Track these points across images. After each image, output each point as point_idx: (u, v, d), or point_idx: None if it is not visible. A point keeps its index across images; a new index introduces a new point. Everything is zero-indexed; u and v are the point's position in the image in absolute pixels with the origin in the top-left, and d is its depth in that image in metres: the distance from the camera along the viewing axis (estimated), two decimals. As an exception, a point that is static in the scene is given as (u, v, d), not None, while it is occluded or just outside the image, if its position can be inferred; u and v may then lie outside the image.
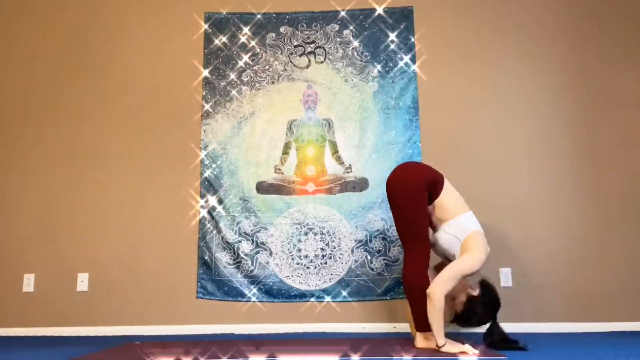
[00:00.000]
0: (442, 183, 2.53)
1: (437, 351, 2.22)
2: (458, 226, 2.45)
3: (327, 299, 3.26)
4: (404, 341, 2.59)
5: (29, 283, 3.34)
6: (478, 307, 2.39)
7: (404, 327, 3.04)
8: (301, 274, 3.29)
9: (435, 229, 2.57)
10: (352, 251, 3.30)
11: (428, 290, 2.26)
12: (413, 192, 2.43)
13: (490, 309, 2.42)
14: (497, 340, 2.36)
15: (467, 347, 2.15)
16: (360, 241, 3.31)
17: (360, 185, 3.39)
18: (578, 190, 3.35)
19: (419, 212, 2.43)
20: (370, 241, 3.32)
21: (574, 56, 3.51)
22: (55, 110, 3.57)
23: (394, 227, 3.30)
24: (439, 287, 2.27)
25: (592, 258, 3.25)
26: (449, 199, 2.51)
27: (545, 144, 3.41)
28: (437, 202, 2.49)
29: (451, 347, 2.16)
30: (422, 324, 2.33)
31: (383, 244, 3.31)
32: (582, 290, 3.21)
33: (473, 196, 3.34)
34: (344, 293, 3.24)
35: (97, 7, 3.69)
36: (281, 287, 3.28)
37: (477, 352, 2.11)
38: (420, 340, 2.37)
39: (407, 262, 2.42)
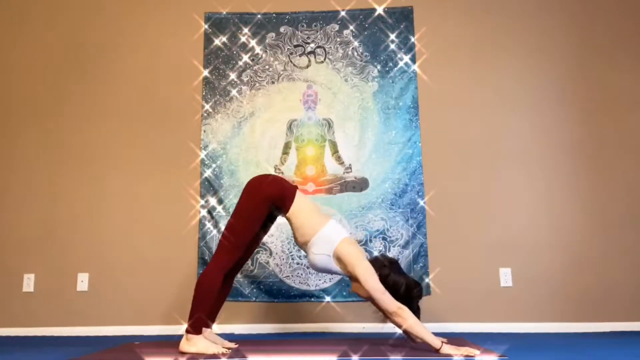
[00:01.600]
0: (291, 198, 2.37)
1: (436, 352, 2.20)
2: (321, 243, 2.32)
3: (327, 299, 3.26)
4: (404, 341, 2.59)
5: (29, 283, 3.34)
6: (390, 278, 2.30)
7: (404, 327, 3.04)
8: (301, 274, 3.29)
9: (306, 253, 2.43)
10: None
11: (391, 311, 2.19)
12: (252, 202, 2.34)
13: (395, 269, 2.35)
14: (415, 289, 2.33)
15: (466, 349, 2.13)
16: (360, 241, 3.31)
17: (360, 185, 3.39)
18: (578, 190, 3.35)
19: (245, 222, 2.33)
20: (370, 241, 3.32)
21: (574, 56, 3.51)
22: (55, 110, 3.57)
23: (394, 227, 3.32)
24: (393, 303, 2.20)
25: (592, 258, 3.26)
26: (302, 216, 2.36)
27: (546, 143, 3.41)
28: (291, 219, 2.38)
29: (449, 349, 2.14)
30: (190, 324, 2.26)
31: (383, 244, 3.31)
32: (582, 291, 3.22)
33: (473, 196, 3.36)
34: (344, 293, 3.24)
35: (98, 7, 3.70)
36: (281, 287, 3.28)
37: (477, 352, 2.10)
38: (183, 342, 2.27)
39: (210, 263, 2.33)
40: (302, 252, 3.29)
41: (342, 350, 2.26)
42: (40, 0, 3.72)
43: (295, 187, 2.44)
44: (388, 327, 3.19)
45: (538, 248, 3.28)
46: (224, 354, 2.20)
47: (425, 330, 2.18)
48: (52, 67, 3.63)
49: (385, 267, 2.34)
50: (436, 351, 2.13)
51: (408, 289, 2.33)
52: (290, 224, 2.42)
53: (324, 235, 2.33)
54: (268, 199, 2.35)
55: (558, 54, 3.51)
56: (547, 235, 3.30)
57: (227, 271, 2.35)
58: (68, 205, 3.44)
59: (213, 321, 2.50)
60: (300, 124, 3.49)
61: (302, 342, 2.71)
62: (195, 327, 2.25)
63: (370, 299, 2.29)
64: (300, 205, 2.38)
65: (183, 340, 2.27)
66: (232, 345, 2.45)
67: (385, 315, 2.27)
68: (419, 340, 2.37)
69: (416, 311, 2.34)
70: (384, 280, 2.29)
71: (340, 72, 3.54)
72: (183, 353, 2.23)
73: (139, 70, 3.60)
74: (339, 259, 2.32)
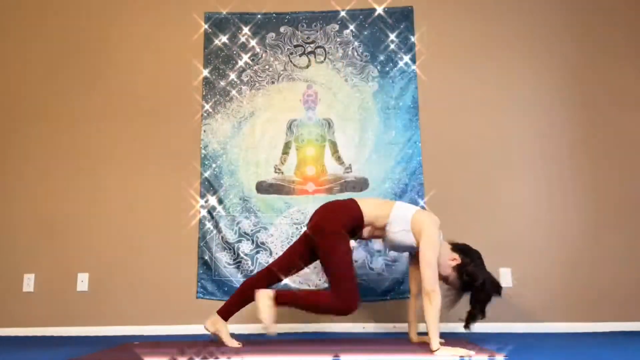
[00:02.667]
0: (359, 213, 2.47)
1: (431, 352, 2.18)
2: (397, 220, 2.43)
3: (327, 299, 3.26)
4: (404, 341, 2.59)
5: (29, 283, 3.34)
6: (470, 267, 2.36)
7: (404, 327, 3.03)
8: (301, 274, 3.28)
9: (383, 237, 2.55)
10: (352, 251, 3.29)
11: (427, 289, 2.22)
12: (333, 238, 2.42)
13: (479, 262, 2.40)
14: (492, 286, 2.37)
15: (461, 350, 2.13)
16: (360, 241, 3.31)
17: (360, 185, 3.39)
18: (578, 189, 3.35)
19: (341, 255, 2.40)
20: (370, 241, 3.31)
21: (574, 56, 3.51)
22: (55, 110, 3.57)
23: (394, 227, 3.31)
24: (434, 284, 2.24)
25: (592, 258, 3.25)
26: (373, 210, 2.48)
27: (545, 143, 3.41)
28: (366, 223, 2.50)
29: (445, 351, 2.14)
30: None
31: (383, 244, 3.30)
32: (581, 290, 3.21)
33: (473, 196, 3.36)
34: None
35: (97, 7, 3.69)
36: (281, 287, 3.27)
37: (472, 353, 2.10)
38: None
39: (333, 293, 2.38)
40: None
41: (342, 350, 2.26)
42: (40, 0, 3.71)
43: (352, 200, 2.53)
44: (388, 327, 3.19)
45: (538, 248, 3.28)
46: (237, 347, 2.38)
47: (434, 327, 2.19)
48: (51, 67, 3.62)
49: (470, 255, 2.39)
50: (432, 352, 2.13)
51: (488, 284, 2.35)
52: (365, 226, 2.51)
53: (397, 213, 2.44)
54: (346, 228, 2.45)
55: (558, 53, 3.51)
56: (547, 235, 3.30)
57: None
58: (68, 205, 3.43)
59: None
60: (300, 124, 3.49)
61: (302, 342, 2.71)
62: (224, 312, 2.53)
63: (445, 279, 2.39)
64: (365, 202, 2.51)
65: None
66: (239, 345, 2.52)
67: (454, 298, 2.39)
68: (416, 340, 2.37)
69: (481, 312, 2.37)
70: (463, 266, 2.35)
71: (340, 72, 3.54)
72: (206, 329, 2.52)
73: (138, 70, 3.60)
74: (414, 230, 2.39)
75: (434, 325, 2.19)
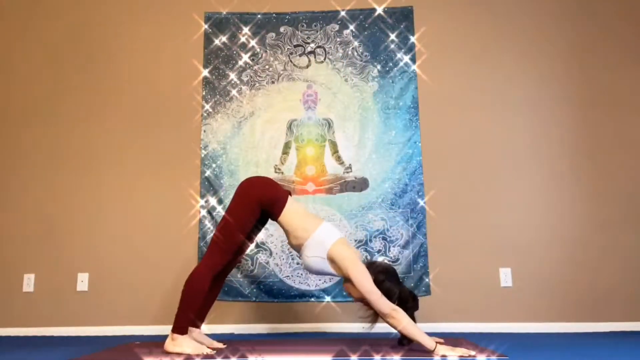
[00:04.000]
0: (283, 202, 2.35)
1: (430, 353, 2.17)
2: (314, 246, 2.31)
3: (327, 299, 3.26)
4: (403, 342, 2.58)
5: (29, 283, 3.34)
6: (384, 285, 2.29)
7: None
8: (301, 274, 3.29)
9: (300, 256, 2.44)
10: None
11: (385, 313, 2.18)
12: (244, 204, 2.34)
13: (392, 277, 2.34)
14: (411, 302, 2.32)
15: (461, 349, 2.12)
16: (360, 241, 3.31)
17: (360, 185, 3.39)
18: (578, 190, 3.35)
19: (236, 223, 2.32)
20: (370, 241, 3.31)
21: (574, 56, 3.51)
22: (55, 110, 3.57)
23: (394, 227, 3.32)
24: (387, 305, 2.19)
25: (591, 258, 3.26)
26: (294, 220, 2.35)
27: (545, 143, 3.41)
28: (282, 223, 2.37)
29: (444, 349, 2.13)
30: (175, 324, 2.27)
31: (383, 243, 3.31)
32: (581, 290, 3.22)
33: (473, 196, 3.36)
34: (344, 293, 3.23)
35: (97, 7, 3.69)
36: (281, 287, 3.28)
37: (473, 353, 2.09)
38: (168, 342, 2.27)
39: (200, 263, 2.34)
40: (302, 252, 3.29)
41: (342, 350, 2.26)
42: (39, 0, 3.72)
43: (288, 192, 2.43)
44: (388, 327, 3.19)
45: (538, 248, 3.28)
46: (208, 355, 2.19)
47: (419, 331, 2.17)
48: (51, 67, 3.62)
49: (381, 273, 2.32)
50: (430, 352, 2.11)
51: (402, 299, 2.32)
52: (283, 228, 2.41)
53: (317, 238, 2.31)
54: (259, 201, 2.34)
55: (558, 53, 3.51)
56: (547, 235, 3.30)
57: (216, 272, 2.35)
58: (68, 205, 3.44)
59: (202, 321, 2.50)
60: (300, 124, 3.49)
61: (302, 342, 2.71)
62: (181, 328, 2.26)
63: (361, 300, 2.29)
64: (292, 209, 2.37)
65: (168, 340, 2.27)
66: (220, 345, 2.44)
67: (380, 317, 2.26)
68: (415, 341, 2.35)
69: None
70: (378, 285, 2.27)
71: (340, 72, 3.54)
72: (167, 353, 2.23)
73: (138, 70, 3.60)
74: (332, 261, 2.31)
75: (416, 331, 2.16)
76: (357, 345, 2.43)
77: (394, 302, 2.27)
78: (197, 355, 2.17)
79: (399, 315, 2.18)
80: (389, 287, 2.30)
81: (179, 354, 2.20)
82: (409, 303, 2.32)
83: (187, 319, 2.27)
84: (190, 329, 2.36)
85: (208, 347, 2.28)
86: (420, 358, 2.08)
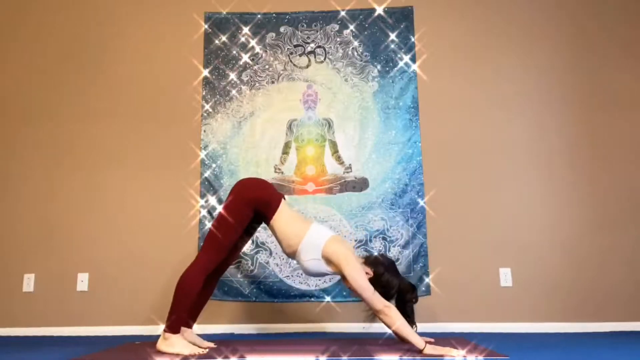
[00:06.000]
0: (276, 206, 2.36)
1: (419, 352, 2.17)
2: (308, 248, 2.32)
3: (327, 299, 3.26)
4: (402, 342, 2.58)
5: (29, 283, 3.34)
6: (383, 277, 2.32)
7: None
8: (301, 274, 3.29)
9: (297, 262, 2.44)
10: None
11: (378, 309, 2.19)
12: (238, 204, 2.34)
13: (391, 269, 2.37)
14: (410, 293, 2.36)
15: (450, 350, 2.12)
16: (360, 241, 3.31)
17: (360, 185, 3.39)
18: (578, 190, 3.35)
19: (230, 223, 2.32)
20: (370, 241, 3.32)
21: (574, 56, 3.51)
22: (54, 110, 3.57)
23: (394, 227, 3.32)
24: (380, 301, 2.20)
25: (591, 258, 3.26)
26: (285, 225, 2.35)
27: (545, 143, 3.41)
28: (274, 227, 2.37)
29: (433, 349, 2.14)
30: (168, 323, 2.26)
31: (383, 243, 3.31)
32: (581, 290, 3.22)
33: (473, 196, 3.36)
34: (344, 293, 3.24)
35: (97, 7, 3.69)
36: (281, 287, 3.28)
37: (462, 352, 2.10)
38: (160, 341, 2.27)
39: (193, 261, 2.34)
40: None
41: (342, 351, 2.26)
42: (40, 0, 3.71)
43: (282, 196, 2.44)
44: (374, 327, 3.19)
45: (538, 248, 3.28)
46: (200, 355, 2.19)
47: (410, 330, 2.19)
48: (51, 67, 3.62)
49: (381, 265, 2.34)
50: (419, 352, 2.12)
51: (401, 291, 2.33)
52: (274, 234, 2.41)
53: (309, 240, 2.33)
54: (253, 202, 2.35)
55: (558, 53, 3.51)
56: (547, 235, 3.30)
57: (209, 272, 2.35)
58: (68, 205, 3.44)
59: (194, 321, 2.50)
60: (300, 124, 3.49)
61: (302, 342, 2.71)
62: (173, 327, 2.25)
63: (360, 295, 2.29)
64: (285, 213, 2.38)
65: (160, 340, 2.27)
66: (211, 345, 2.44)
67: (374, 314, 2.27)
68: (406, 341, 2.35)
69: (410, 315, 2.34)
70: (377, 278, 2.29)
71: (340, 72, 3.54)
72: (160, 352, 2.23)
73: (138, 70, 3.60)
74: (328, 260, 2.32)
75: (406, 330, 2.17)
76: (358, 346, 2.43)
77: (393, 294, 2.30)
78: (193, 355, 2.17)
79: (392, 313, 2.20)
80: (388, 279, 2.32)
81: (173, 354, 2.20)
82: (408, 295, 2.34)
83: (179, 318, 2.27)
84: (182, 328, 2.36)
85: (199, 347, 2.29)
86: (418, 358, 2.08)
